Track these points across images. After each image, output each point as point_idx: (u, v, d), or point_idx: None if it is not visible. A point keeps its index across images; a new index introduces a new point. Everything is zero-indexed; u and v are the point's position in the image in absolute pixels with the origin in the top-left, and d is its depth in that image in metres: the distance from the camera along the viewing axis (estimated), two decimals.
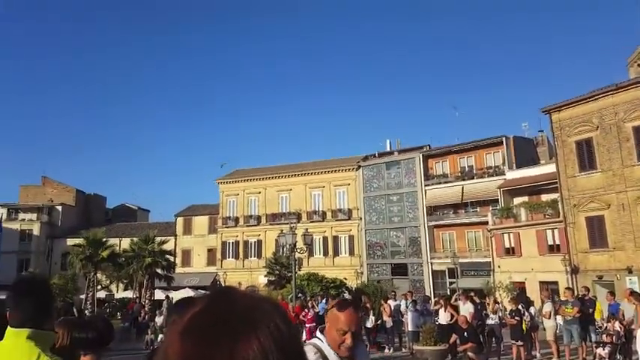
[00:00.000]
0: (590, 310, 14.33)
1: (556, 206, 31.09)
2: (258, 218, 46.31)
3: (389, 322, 17.65)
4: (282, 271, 35.02)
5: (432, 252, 38.56)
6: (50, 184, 56.74)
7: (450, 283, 35.64)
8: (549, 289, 21.30)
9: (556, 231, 30.94)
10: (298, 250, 23.12)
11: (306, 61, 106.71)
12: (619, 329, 12.22)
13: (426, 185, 39.65)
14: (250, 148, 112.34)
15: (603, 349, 12.00)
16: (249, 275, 44.19)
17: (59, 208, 53.39)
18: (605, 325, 14.20)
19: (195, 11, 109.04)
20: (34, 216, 51.82)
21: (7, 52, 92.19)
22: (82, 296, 33.59)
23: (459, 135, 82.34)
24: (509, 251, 33.25)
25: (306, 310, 19.23)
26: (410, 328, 16.16)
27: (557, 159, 30.88)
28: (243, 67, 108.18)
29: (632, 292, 11.34)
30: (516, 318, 13.86)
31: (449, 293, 29.63)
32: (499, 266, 33.48)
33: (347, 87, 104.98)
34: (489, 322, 14.95)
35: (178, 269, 43.43)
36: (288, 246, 23.91)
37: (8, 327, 2.10)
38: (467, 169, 39.15)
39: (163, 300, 27.72)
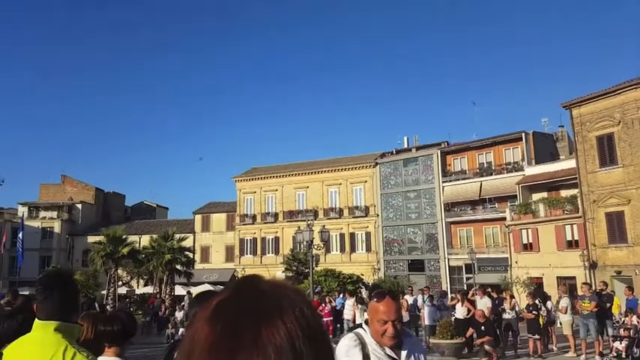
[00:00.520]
0: (608, 304, 14.28)
1: (575, 202, 30.75)
2: (276, 215, 46.65)
3: (406, 316, 17.76)
4: (300, 267, 35.29)
5: (449, 248, 38.43)
6: (70, 183, 57.93)
7: (467, 279, 35.55)
8: (567, 284, 21.14)
9: (575, 226, 30.65)
10: (315, 247, 23.31)
11: (322, 57, 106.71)
12: (636, 323, 12.14)
13: (443, 182, 39.46)
14: (267, 146, 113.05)
15: (620, 343, 11.94)
16: (267, 272, 44.58)
17: (79, 206, 54.56)
18: (622, 319, 14.11)
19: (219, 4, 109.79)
20: (54, 214, 52.94)
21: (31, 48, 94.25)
22: (104, 292, 34.32)
23: (477, 131, 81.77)
24: (527, 247, 33.06)
25: (323, 305, 19.65)
26: (427, 322, 16.32)
27: (577, 154, 30.49)
28: (260, 64, 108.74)
29: None
30: (533, 312, 13.97)
31: (465, 288, 29.57)
32: (516, 261, 33.27)
33: (363, 84, 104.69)
34: (506, 316, 14.96)
35: (197, 265, 44.06)
36: (305, 243, 24.10)
37: (36, 319, 2.17)
38: (485, 165, 38.86)
39: (184, 295, 28.21)
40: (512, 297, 16.10)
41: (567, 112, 31.22)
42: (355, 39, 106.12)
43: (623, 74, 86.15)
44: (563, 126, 41.74)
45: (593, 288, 16.26)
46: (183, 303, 24.65)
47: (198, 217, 50.77)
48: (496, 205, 37.13)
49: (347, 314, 18.61)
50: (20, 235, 34.76)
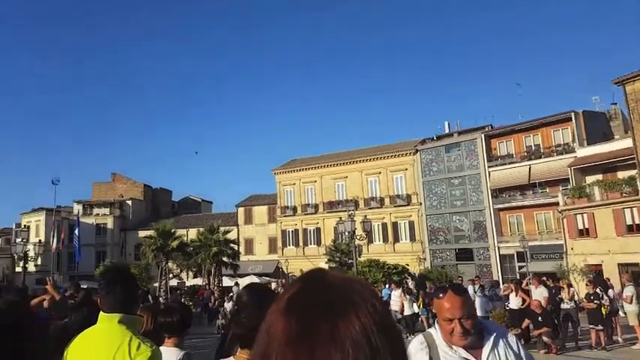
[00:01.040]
0: None
1: (634, 183, 29.05)
2: (316, 206, 46.71)
3: None
4: (343, 257, 35.23)
5: (498, 236, 37.21)
6: (120, 180, 60.22)
7: (520, 267, 34.34)
8: (630, 271, 19.94)
9: (635, 210, 28.92)
10: (358, 237, 23.11)
11: (359, 44, 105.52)
12: None
13: (489, 167, 38.18)
14: (305, 137, 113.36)
15: None
16: (310, 263, 44.84)
17: (129, 202, 56.68)
18: None
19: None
20: (107, 211, 55.30)
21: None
22: (156, 284, 35.46)
23: (522, 112, 78.46)
24: (583, 232, 31.50)
25: None
26: (478, 313, 15.72)
27: (633, 133, 28.81)
28: (298, 54, 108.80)
29: None
30: (595, 302, 13.18)
31: (518, 277, 28.58)
32: (572, 248, 31.84)
33: (400, 70, 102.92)
34: (564, 306, 14.25)
35: (242, 257, 44.80)
36: (347, 233, 23.96)
37: (101, 312, 2.29)
38: (533, 148, 37.30)
39: (232, 286, 28.72)
40: (569, 286, 15.31)
41: (620, 88, 29.48)
42: (392, 25, 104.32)
43: None
44: (616, 103, 39.55)
45: None
46: (231, 294, 25.08)
47: (241, 210, 51.56)
48: (547, 190, 35.62)
49: (394, 305, 18.32)
50: (77, 231, 36.58)
